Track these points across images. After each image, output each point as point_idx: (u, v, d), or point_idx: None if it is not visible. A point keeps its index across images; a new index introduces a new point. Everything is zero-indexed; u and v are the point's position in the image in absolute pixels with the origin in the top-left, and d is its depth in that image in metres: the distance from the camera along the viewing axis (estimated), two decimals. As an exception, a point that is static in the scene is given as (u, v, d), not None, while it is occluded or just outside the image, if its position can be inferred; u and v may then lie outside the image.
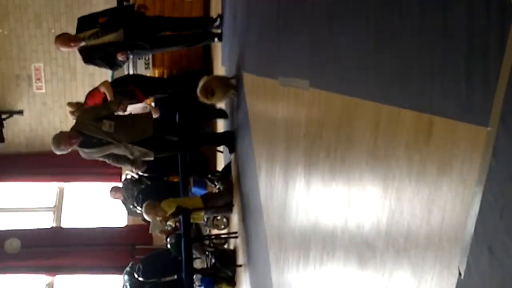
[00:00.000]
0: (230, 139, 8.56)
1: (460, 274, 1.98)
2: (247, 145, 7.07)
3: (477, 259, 1.89)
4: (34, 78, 13.09)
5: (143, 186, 10.21)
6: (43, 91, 13.18)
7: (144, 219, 9.40)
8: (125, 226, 12.57)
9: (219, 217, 9.55)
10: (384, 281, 2.63)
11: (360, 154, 3.00)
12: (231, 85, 7.97)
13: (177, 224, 9.38)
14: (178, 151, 9.04)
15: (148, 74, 11.31)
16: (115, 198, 10.58)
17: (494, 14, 1.80)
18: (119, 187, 10.64)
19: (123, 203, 10.63)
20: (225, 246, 9.83)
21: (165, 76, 11.72)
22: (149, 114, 8.48)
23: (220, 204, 8.86)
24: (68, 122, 12.68)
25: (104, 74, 11.00)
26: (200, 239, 9.69)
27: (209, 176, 9.94)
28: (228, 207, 8.83)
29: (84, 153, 7.90)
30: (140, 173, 10.06)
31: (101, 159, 8.07)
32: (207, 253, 9.53)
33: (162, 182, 10.39)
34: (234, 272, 8.85)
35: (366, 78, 2.91)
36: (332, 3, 3.53)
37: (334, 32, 3.47)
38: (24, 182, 12.97)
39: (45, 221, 12.45)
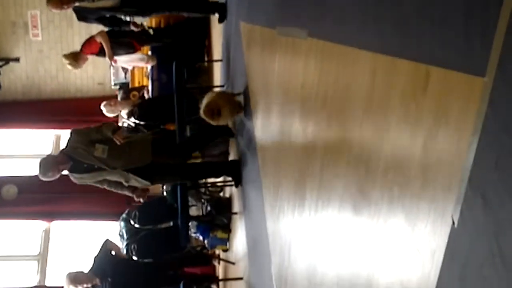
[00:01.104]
0: (236, 170, 7.78)
1: (453, 222, 2.01)
2: (243, 94, 7.06)
3: (470, 208, 1.92)
4: (30, 25, 13.00)
5: (139, 134, 10.23)
6: (40, 38, 13.10)
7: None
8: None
9: (215, 166, 9.58)
10: (378, 227, 2.67)
11: (357, 103, 3.01)
12: (238, 105, 7.13)
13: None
14: (177, 180, 8.21)
15: (144, 23, 11.24)
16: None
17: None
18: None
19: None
20: (221, 194, 9.90)
21: (162, 26, 11.64)
22: (147, 139, 7.63)
23: (216, 153, 8.89)
24: (64, 70, 12.66)
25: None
26: (196, 187, 9.75)
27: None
28: (224, 156, 8.86)
29: (75, 178, 7.18)
30: (136, 121, 10.08)
31: (94, 184, 7.39)
32: (202, 200, 9.60)
33: (159, 129, 10.39)
34: (229, 220, 8.92)
35: (364, 27, 2.91)
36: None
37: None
38: (21, 129, 12.98)
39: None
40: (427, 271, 2.17)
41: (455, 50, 2.02)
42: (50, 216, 12.31)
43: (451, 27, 2.04)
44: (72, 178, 7.16)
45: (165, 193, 9.76)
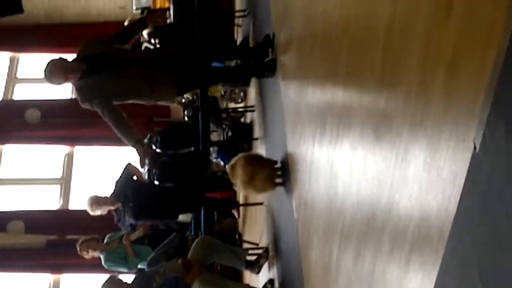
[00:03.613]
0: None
1: (475, 147, 1.98)
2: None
3: (493, 132, 1.89)
4: None
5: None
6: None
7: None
8: (143, 98, 12.62)
9: (236, 91, 9.56)
10: (399, 152, 2.65)
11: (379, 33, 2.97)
12: (276, 174, 5.78)
13: (195, 97, 9.41)
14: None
15: None
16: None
17: None
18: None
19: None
20: (242, 119, 9.89)
21: None
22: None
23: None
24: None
25: None
26: (217, 112, 9.75)
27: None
28: (246, 81, 8.83)
29: (87, 89, 6.37)
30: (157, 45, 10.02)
31: (107, 116, 6.94)
32: (224, 126, 9.60)
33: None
34: (250, 145, 8.93)
35: None
36: None
37: None
38: (43, 53, 12.96)
39: (64, 93, 12.51)
40: (448, 195, 2.16)
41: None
42: (73, 140, 12.37)
43: None
44: (79, 95, 6.42)
45: (186, 119, 9.77)
